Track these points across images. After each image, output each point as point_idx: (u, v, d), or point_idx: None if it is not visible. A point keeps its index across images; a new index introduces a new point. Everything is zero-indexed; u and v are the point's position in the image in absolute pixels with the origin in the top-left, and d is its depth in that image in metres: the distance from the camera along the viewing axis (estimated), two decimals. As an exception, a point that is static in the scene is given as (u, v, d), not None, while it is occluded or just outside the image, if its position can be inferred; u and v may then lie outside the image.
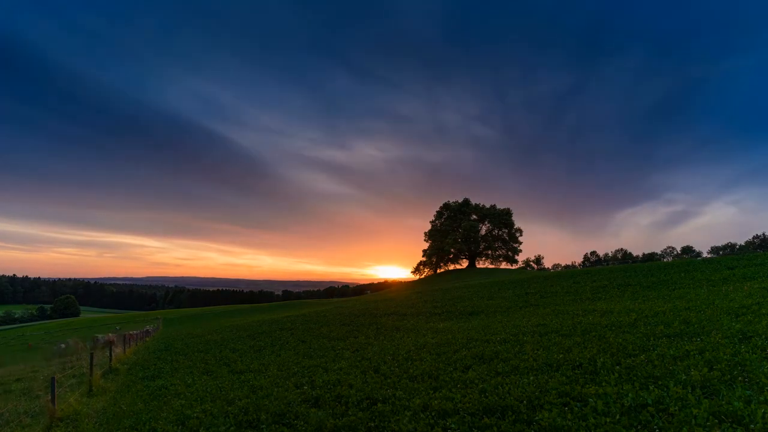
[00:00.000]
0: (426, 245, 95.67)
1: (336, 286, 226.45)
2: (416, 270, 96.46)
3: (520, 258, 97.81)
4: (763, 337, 7.55)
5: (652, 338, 8.86)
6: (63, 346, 29.44)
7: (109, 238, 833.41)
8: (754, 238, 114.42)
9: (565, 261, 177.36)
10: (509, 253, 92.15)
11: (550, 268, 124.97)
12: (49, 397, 9.36)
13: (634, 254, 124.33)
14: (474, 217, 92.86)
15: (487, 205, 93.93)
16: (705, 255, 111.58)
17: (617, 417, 5.13)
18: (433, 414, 6.29)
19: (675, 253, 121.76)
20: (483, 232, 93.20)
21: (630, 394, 5.70)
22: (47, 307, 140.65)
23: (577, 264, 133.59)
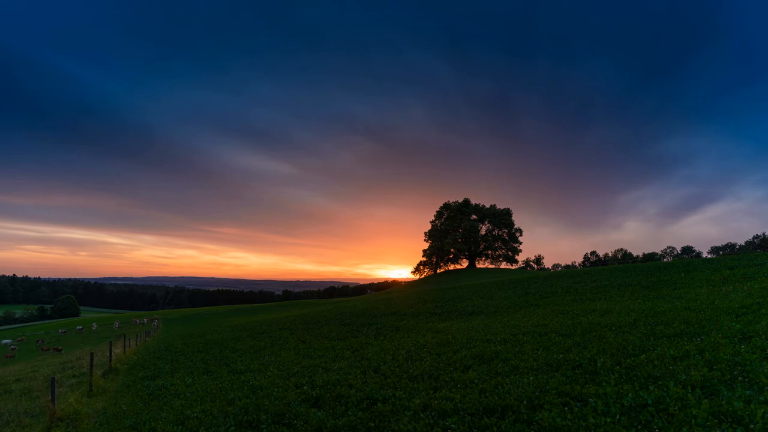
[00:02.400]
0: (426, 245, 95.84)
1: (336, 286, 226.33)
2: (416, 270, 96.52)
3: (520, 258, 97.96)
4: (763, 337, 7.55)
5: (652, 338, 8.86)
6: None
7: (69, 234, 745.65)
8: (754, 238, 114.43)
9: (565, 261, 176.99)
10: (509, 253, 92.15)
11: (550, 268, 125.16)
12: (49, 397, 9.37)
13: (634, 254, 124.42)
14: (474, 217, 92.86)
15: (487, 205, 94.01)
16: (705, 255, 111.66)
17: (617, 417, 5.13)
18: (433, 414, 6.29)
19: (675, 253, 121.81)
20: (483, 232, 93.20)
21: (630, 394, 5.70)
22: (47, 307, 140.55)
23: (577, 264, 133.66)
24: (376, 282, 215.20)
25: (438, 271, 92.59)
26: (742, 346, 7.17)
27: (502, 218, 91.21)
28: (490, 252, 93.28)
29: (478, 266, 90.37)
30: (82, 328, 54.68)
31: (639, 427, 4.84)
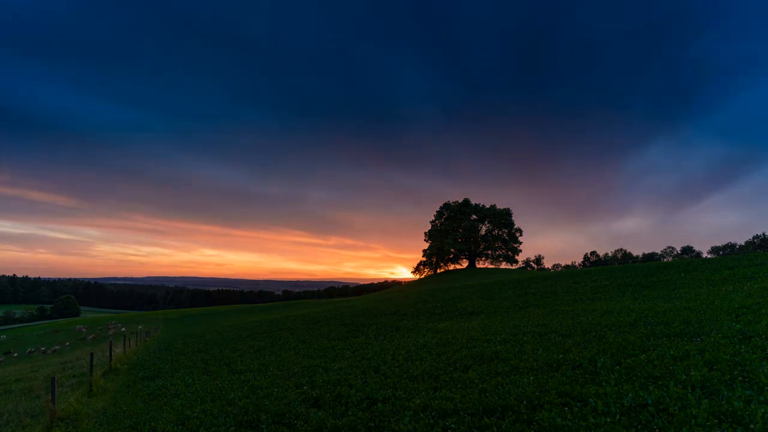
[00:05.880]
0: (426, 245, 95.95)
1: (336, 286, 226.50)
2: (416, 270, 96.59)
3: (520, 258, 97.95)
4: (763, 337, 7.55)
5: (652, 338, 8.86)
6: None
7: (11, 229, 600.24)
8: (754, 238, 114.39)
9: (565, 261, 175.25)
10: (509, 253, 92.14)
11: (550, 268, 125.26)
12: (50, 397, 9.37)
13: (634, 254, 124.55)
14: (474, 217, 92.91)
15: (487, 205, 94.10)
16: (705, 255, 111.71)
17: (617, 417, 5.13)
18: (433, 414, 6.29)
19: (675, 252, 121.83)
20: (483, 232, 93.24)
21: (630, 394, 5.70)
22: (47, 307, 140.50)
23: (577, 264, 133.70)
24: (376, 282, 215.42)
25: (438, 271, 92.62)
26: (742, 346, 7.17)
27: (502, 218, 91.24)
28: (490, 252, 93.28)
29: (478, 266, 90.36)
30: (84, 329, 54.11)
31: (639, 427, 4.84)
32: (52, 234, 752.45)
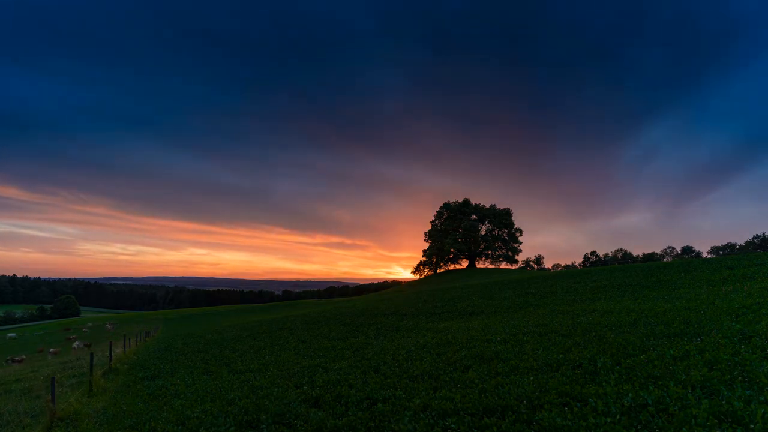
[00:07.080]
0: (426, 245, 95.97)
1: (336, 286, 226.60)
2: (416, 270, 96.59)
3: (520, 258, 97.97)
4: (763, 337, 7.55)
5: (652, 338, 8.86)
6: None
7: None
8: (754, 238, 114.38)
9: (564, 261, 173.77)
10: (509, 253, 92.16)
11: (550, 268, 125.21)
12: (50, 397, 9.37)
13: (634, 254, 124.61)
14: (474, 217, 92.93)
15: (487, 205, 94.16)
16: (705, 255, 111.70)
17: (617, 417, 5.13)
18: (433, 414, 6.29)
19: (675, 252, 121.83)
20: (483, 232, 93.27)
21: (630, 394, 5.70)
22: (47, 307, 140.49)
23: (577, 264, 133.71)
24: (376, 282, 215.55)
25: (438, 271, 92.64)
26: (742, 346, 7.17)
27: (502, 218, 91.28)
28: (490, 252, 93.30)
29: (478, 266, 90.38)
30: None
31: (639, 427, 4.84)
32: (28, 232, 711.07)
